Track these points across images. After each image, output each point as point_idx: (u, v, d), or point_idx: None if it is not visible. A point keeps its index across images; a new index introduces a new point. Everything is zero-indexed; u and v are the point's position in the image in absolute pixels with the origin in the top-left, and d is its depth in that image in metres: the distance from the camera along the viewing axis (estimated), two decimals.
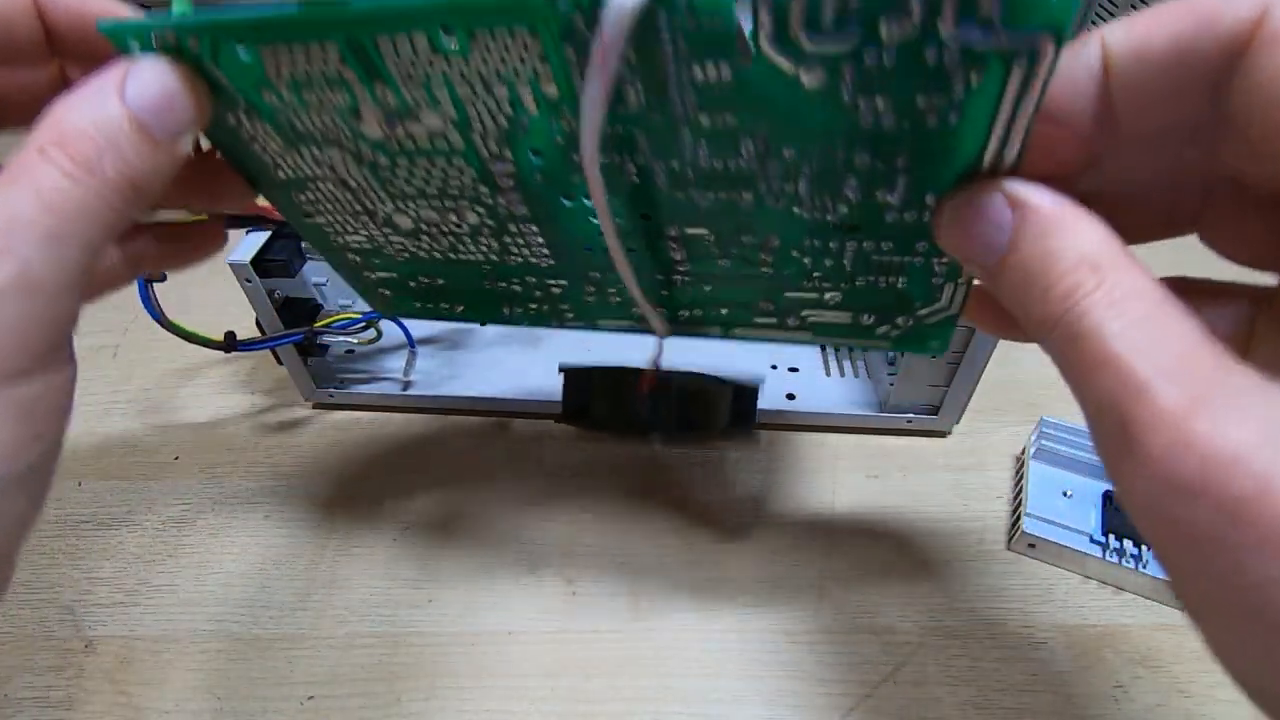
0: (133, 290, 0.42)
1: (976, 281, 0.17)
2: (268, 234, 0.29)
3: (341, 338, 0.32)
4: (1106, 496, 0.29)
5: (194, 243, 0.19)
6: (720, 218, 0.18)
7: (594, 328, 0.23)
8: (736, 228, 0.18)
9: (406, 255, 0.22)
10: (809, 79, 0.13)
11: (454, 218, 0.19)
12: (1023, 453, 0.32)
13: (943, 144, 0.14)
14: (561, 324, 0.24)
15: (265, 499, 0.31)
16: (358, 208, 0.20)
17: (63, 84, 0.15)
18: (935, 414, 0.32)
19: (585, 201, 0.18)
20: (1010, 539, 0.29)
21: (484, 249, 0.21)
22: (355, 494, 0.31)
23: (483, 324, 0.25)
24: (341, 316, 0.31)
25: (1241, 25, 0.11)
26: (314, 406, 0.35)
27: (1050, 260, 0.12)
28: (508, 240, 0.20)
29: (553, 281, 0.22)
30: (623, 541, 0.29)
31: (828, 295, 0.19)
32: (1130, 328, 0.11)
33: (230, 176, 0.18)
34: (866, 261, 0.18)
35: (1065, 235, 0.12)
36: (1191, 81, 0.12)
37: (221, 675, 0.26)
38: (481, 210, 0.19)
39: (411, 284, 0.23)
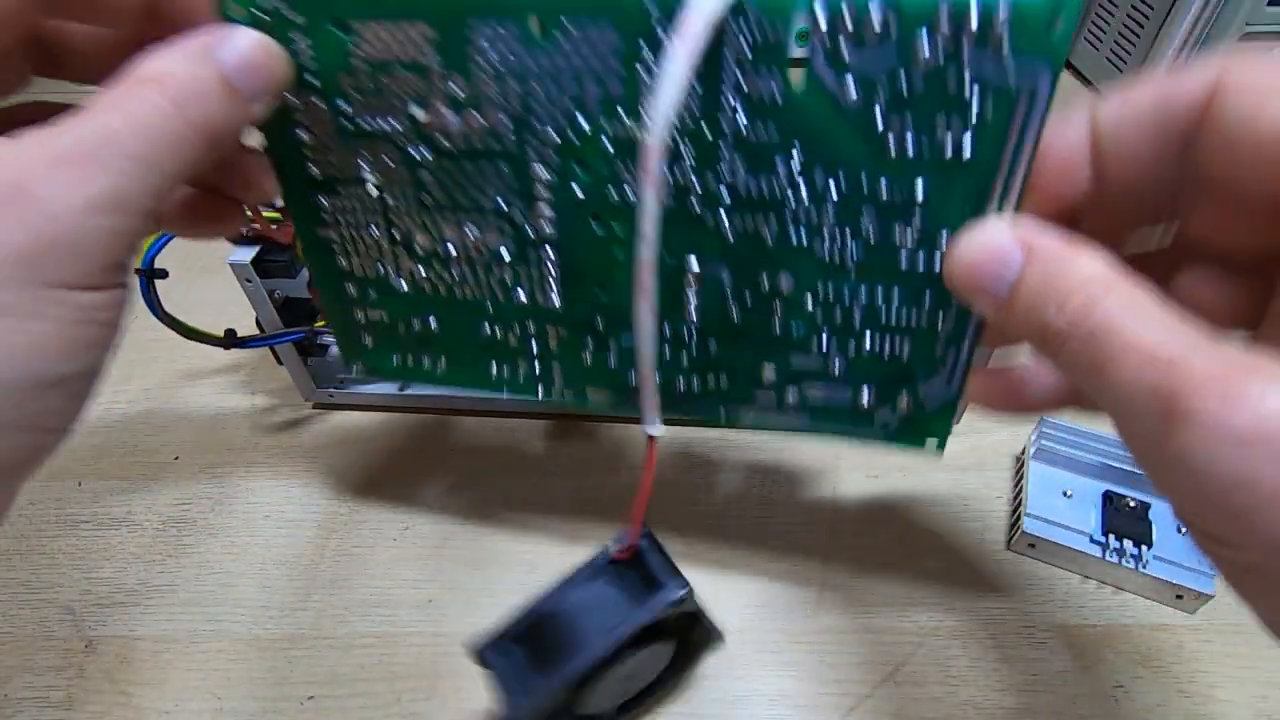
0: (132, 290, 0.42)
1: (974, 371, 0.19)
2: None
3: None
4: (1106, 496, 0.29)
5: (212, 214, 0.20)
6: (743, 251, 0.18)
7: (580, 400, 0.22)
8: (756, 263, 0.18)
9: (409, 289, 0.21)
10: (847, 96, 0.15)
11: (476, 236, 0.20)
12: (1023, 453, 0.32)
13: (958, 173, 0.16)
14: (547, 393, 0.23)
15: (265, 499, 0.31)
16: (380, 221, 0.20)
17: (136, 45, 0.16)
18: None
19: (613, 226, 0.19)
20: (1010, 539, 0.29)
21: (495, 281, 0.21)
22: (355, 494, 0.31)
23: (463, 386, 0.24)
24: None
25: (1197, 94, 0.14)
26: (314, 406, 0.35)
27: (1061, 280, 0.14)
28: (522, 271, 0.20)
29: (553, 329, 0.21)
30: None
31: (833, 365, 0.20)
32: (1148, 320, 0.12)
33: (264, 169, 0.19)
34: (874, 317, 0.18)
35: (1072, 261, 0.14)
36: (1165, 143, 0.14)
37: (221, 675, 0.26)
38: (507, 229, 0.19)
39: (401, 328, 0.22)
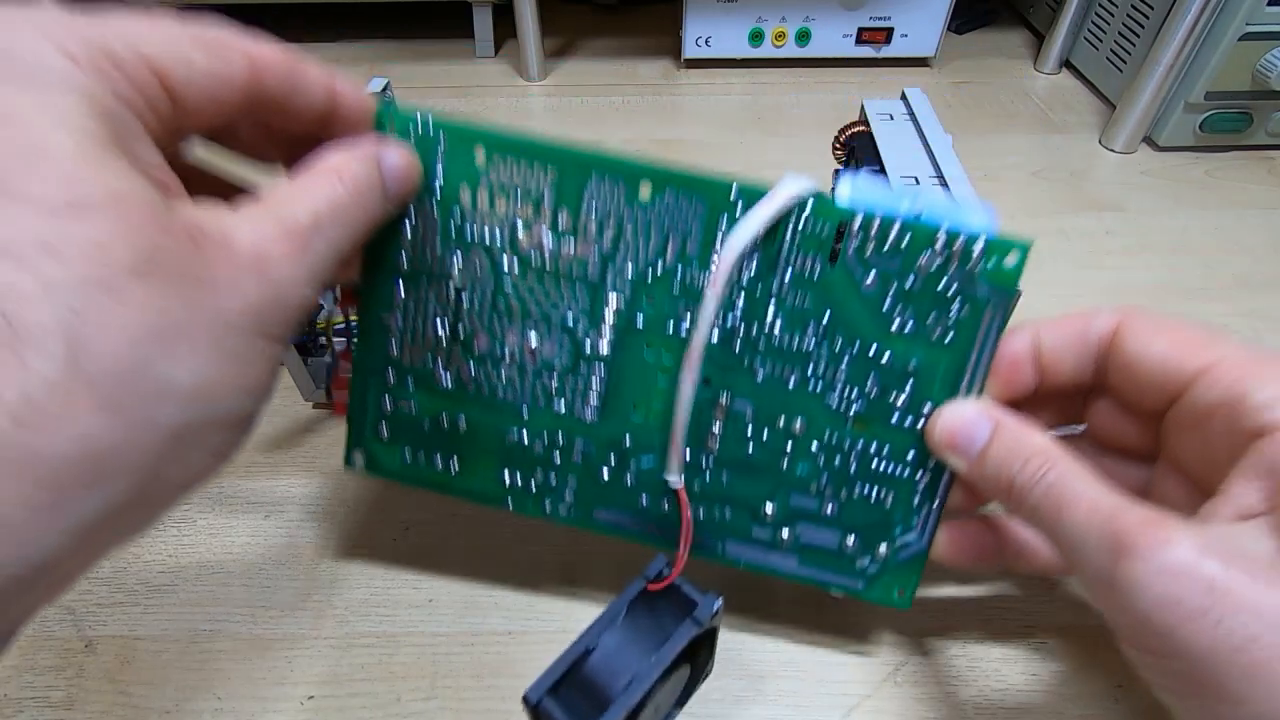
0: None
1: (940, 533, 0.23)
2: None
3: (342, 339, 0.31)
4: None
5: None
6: (768, 391, 0.22)
7: (584, 521, 0.24)
8: (776, 404, 0.22)
9: (452, 385, 0.23)
10: (866, 282, 0.21)
11: (536, 344, 0.22)
12: None
13: (941, 352, 0.21)
14: (554, 510, 0.24)
15: (265, 499, 0.31)
16: (449, 317, 0.22)
17: (298, 140, 0.19)
18: None
19: (664, 357, 0.22)
20: None
21: (540, 388, 0.23)
22: (355, 494, 0.31)
23: (469, 494, 0.24)
24: (343, 319, 0.31)
25: (1106, 327, 0.21)
26: (314, 406, 0.35)
27: (1023, 446, 0.19)
28: (569, 382, 0.23)
29: (581, 440, 0.23)
30: (623, 541, 0.29)
31: (827, 506, 0.23)
32: (1090, 480, 0.18)
33: (357, 252, 0.22)
34: (867, 465, 0.22)
35: (1030, 432, 0.20)
36: (1083, 355, 0.21)
37: (221, 675, 0.26)
38: (567, 343, 0.22)
39: (427, 424, 0.24)
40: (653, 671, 0.20)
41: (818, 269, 0.21)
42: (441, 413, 0.23)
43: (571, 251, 0.21)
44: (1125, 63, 0.55)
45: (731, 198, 0.21)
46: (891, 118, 0.37)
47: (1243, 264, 0.44)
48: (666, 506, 0.24)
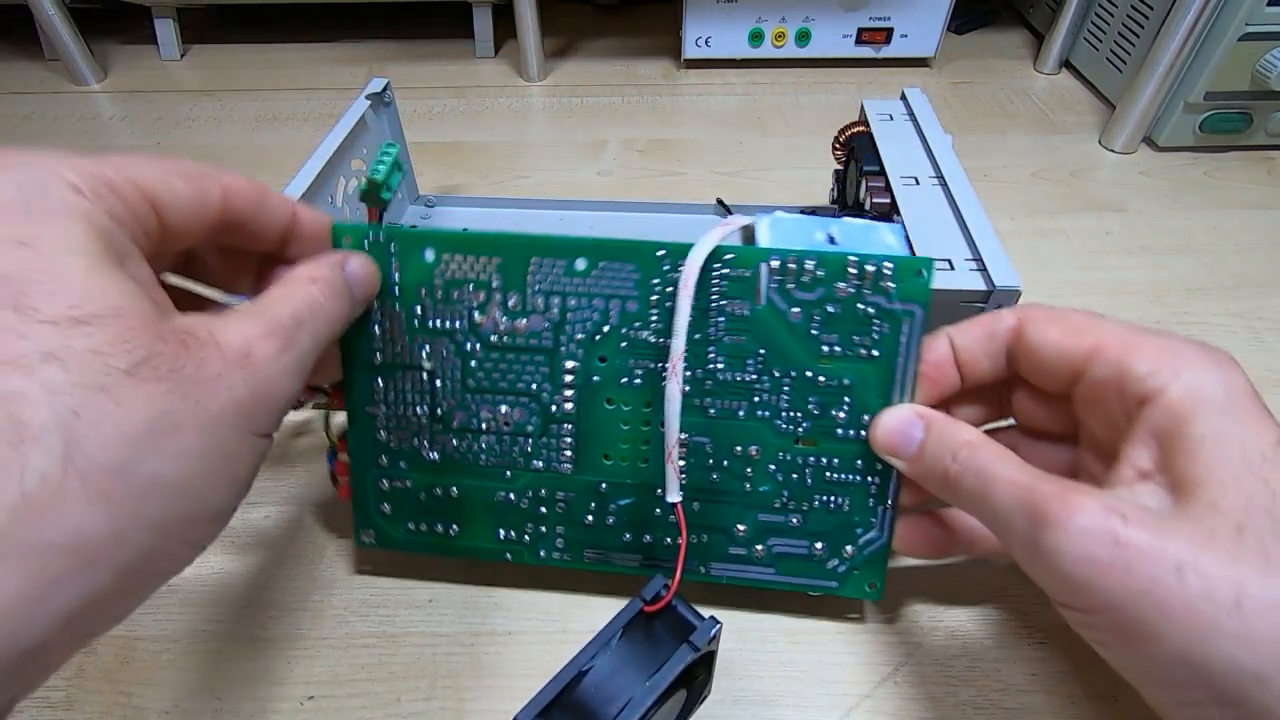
0: None
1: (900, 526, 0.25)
2: None
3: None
4: None
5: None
6: (721, 423, 0.24)
7: (580, 564, 0.26)
8: (731, 434, 0.24)
9: (439, 459, 0.25)
10: (793, 315, 0.23)
11: (507, 413, 0.25)
12: None
13: (870, 365, 0.23)
14: (548, 556, 0.26)
15: (265, 499, 0.31)
16: (426, 400, 0.25)
17: (258, 262, 0.22)
18: None
19: (623, 407, 0.24)
20: None
21: (518, 452, 0.25)
22: None
23: (470, 553, 0.26)
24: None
25: (1010, 323, 0.23)
26: (313, 407, 0.35)
27: (950, 441, 0.21)
28: (543, 443, 0.25)
29: (562, 494, 0.25)
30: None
31: (792, 518, 0.25)
32: (1012, 462, 0.20)
33: (335, 354, 0.24)
34: (821, 477, 0.24)
35: (957, 426, 0.22)
36: (994, 352, 0.23)
37: (221, 675, 0.26)
38: (535, 407, 0.25)
39: (422, 496, 0.26)
40: (647, 697, 0.20)
41: (747, 309, 0.23)
42: (434, 486, 0.26)
43: (525, 325, 0.24)
44: (1125, 63, 0.55)
45: (659, 255, 0.23)
46: (891, 118, 0.37)
47: (1243, 264, 0.44)
48: (648, 539, 0.26)
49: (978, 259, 0.28)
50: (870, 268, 0.22)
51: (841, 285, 0.23)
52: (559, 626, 0.27)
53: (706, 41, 0.62)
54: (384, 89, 0.40)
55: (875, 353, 0.23)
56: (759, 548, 0.25)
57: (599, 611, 0.27)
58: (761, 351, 0.24)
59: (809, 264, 0.23)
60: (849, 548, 0.25)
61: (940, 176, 0.33)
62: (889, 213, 0.32)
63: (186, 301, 0.21)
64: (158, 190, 0.17)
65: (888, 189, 0.33)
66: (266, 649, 0.26)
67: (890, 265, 0.22)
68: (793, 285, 0.23)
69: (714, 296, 0.23)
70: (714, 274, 0.23)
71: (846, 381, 0.23)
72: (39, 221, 0.14)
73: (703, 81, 0.64)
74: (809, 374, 0.24)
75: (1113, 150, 0.53)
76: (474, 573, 0.28)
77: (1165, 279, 0.43)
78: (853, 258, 0.23)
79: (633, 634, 0.21)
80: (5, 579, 0.12)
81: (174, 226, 0.17)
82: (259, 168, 0.53)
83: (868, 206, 0.33)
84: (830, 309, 0.23)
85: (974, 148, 0.54)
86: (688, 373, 0.24)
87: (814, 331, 0.23)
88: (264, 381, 0.16)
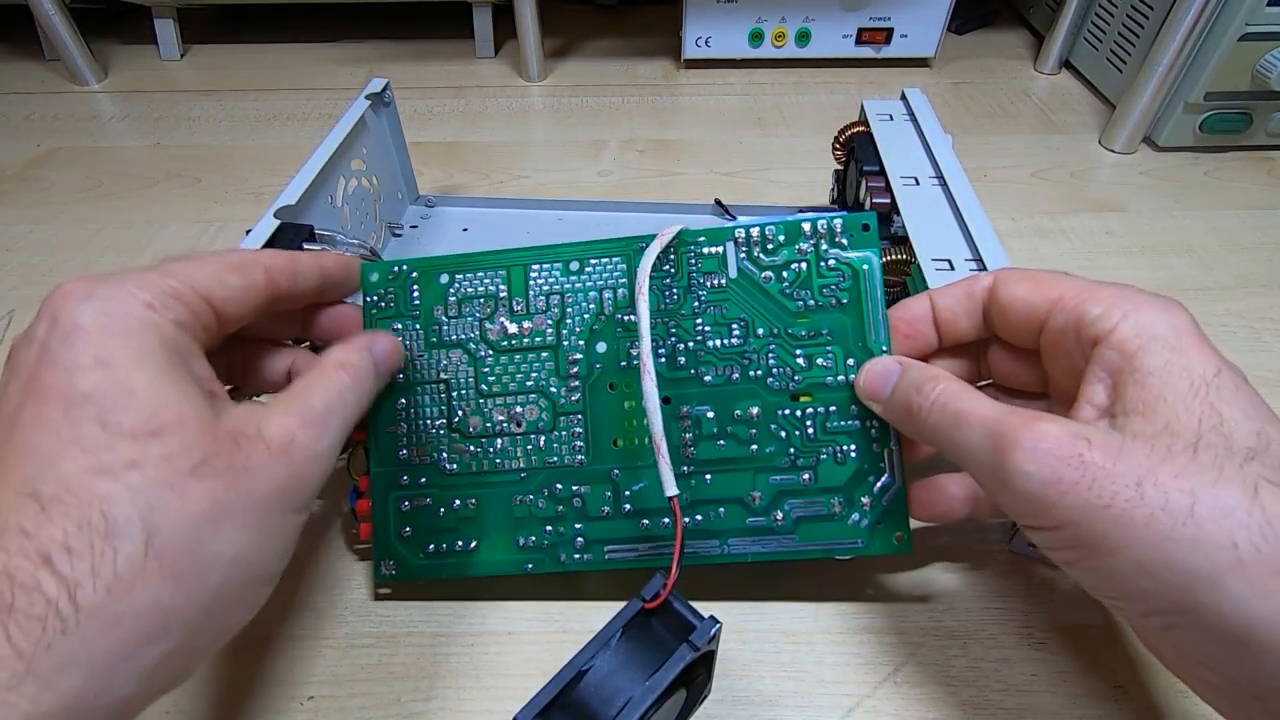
0: None
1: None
2: (267, 233, 0.29)
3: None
4: None
5: None
6: (720, 391, 0.26)
7: (603, 564, 0.26)
8: (730, 398, 0.26)
9: (458, 468, 0.26)
10: (764, 279, 0.26)
11: (520, 412, 0.26)
12: None
13: (841, 312, 0.25)
14: (569, 559, 0.26)
15: None
16: (444, 410, 0.27)
17: (316, 307, 0.26)
18: None
19: (624, 389, 0.26)
20: (1010, 539, 0.29)
21: (533, 449, 0.26)
22: None
23: (488, 568, 0.26)
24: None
25: (987, 283, 0.24)
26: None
27: (920, 376, 0.22)
28: (553, 437, 0.26)
29: (576, 488, 0.26)
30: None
31: (803, 475, 0.25)
32: (974, 395, 0.21)
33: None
34: (823, 428, 0.25)
35: (925, 366, 0.23)
36: (972, 311, 0.25)
37: (222, 675, 0.26)
38: (544, 404, 0.26)
39: (442, 511, 0.26)
40: (646, 697, 0.19)
41: (723, 280, 0.26)
42: (454, 498, 0.26)
43: (530, 326, 0.26)
44: (1125, 63, 0.55)
45: (640, 248, 0.26)
46: (891, 118, 0.37)
47: (1243, 264, 0.44)
48: (668, 523, 0.26)
49: (978, 259, 0.28)
50: (823, 225, 0.26)
51: (802, 246, 0.26)
52: (559, 626, 0.27)
53: (706, 41, 0.62)
54: (384, 89, 0.40)
55: (844, 300, 0.25)
56: (777, 514, 0.25)
57: (599, 612, 0.27)
58: (743, 317, 0.26)
59: (770, 230, 0.26)
60: (865, 498, 0.25)
61: (940, 176, 0.33)
62: (889, 213, 0.32)
63: (241, 350, 0.25)
64: (212, 289, 0.20)
65: (888, 189, 0.33)
66: (266, 649, 0.26)
67: (839, 221, 0.26)
68: (760, 253, 0.26)
69: (692, 274, 0.26)
70: (689, 255, 0.26)
71: (826, 331, 0.25)
72: (116, 341, 0.18)
73: (703, 81, 0.64)
74: (790, 330, 0.26)
75: (1113, 150, 0.53)
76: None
77: (1165, 279, 0.43)
78: (805, 222, 0.26)
79: (632, 634, 0.21)
80: (102, 642, 0.16)
81: (229, 315, 0.21)
82: (259, 168, 0.53)
83: (868, 206, 0.33)
84: (796, 268, 0.26)
85: (974, 148, 0.54)
86: (681, 345, 0.26)
87: (786, 290, 0.26)
88: (301, 467, 0.20)
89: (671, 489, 0.23)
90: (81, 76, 0.63)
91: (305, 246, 0.30)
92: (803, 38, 0.62)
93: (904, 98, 0.38)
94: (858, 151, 0.36)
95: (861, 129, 0.37)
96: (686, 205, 0.44)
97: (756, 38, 0.62)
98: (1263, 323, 0.40)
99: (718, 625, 0.21)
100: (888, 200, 0.32)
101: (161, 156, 0.55)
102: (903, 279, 0.31)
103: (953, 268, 0.28)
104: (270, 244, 0.29)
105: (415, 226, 0.44)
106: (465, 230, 0.43)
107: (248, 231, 0.30)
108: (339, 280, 0.25)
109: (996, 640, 0.26)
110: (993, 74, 0.64)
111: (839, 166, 0.40)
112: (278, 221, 0.30)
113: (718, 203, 0.44)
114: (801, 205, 0.43)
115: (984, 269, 0.27)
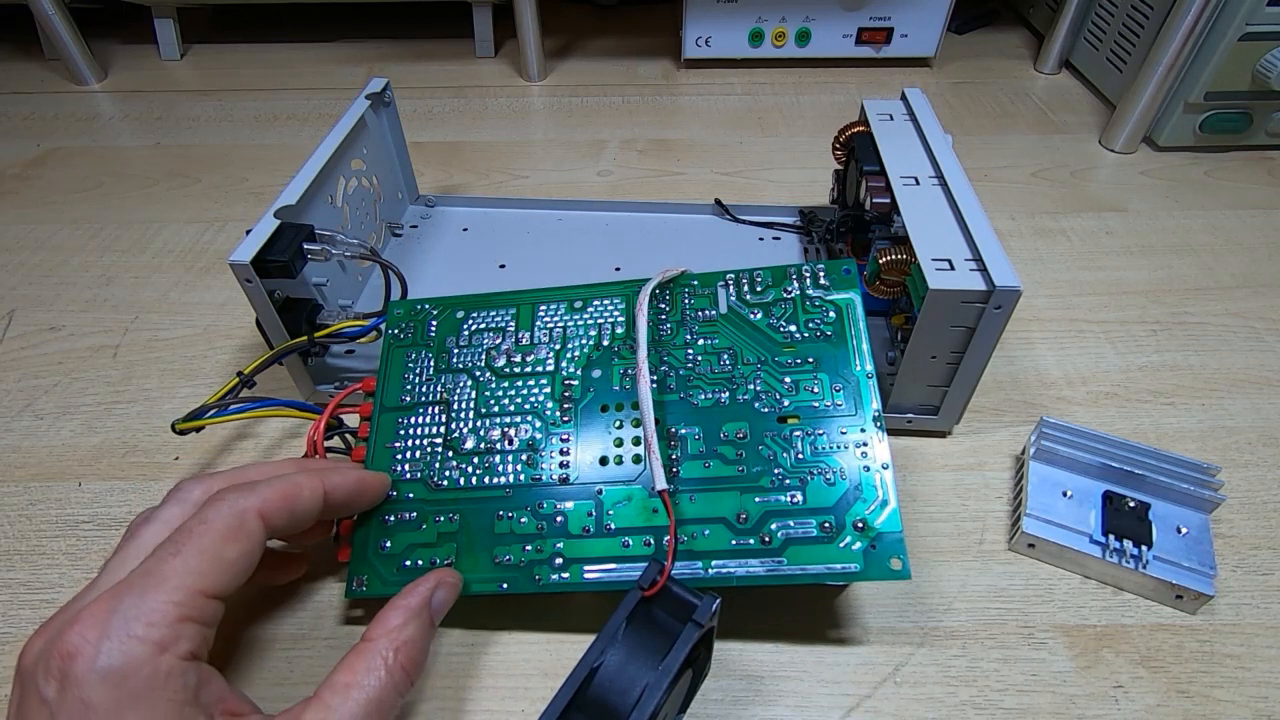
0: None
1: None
2: (267, 233, 0.29)
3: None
4: (1106, 497, 0.29)
5: (285, 568, 0.28)
6: (708, 413, 0.27)
7: (581, 584, 0.25)
8: (718, 419, 0.26)
9: (448, 484, 0.27)
10: (753, 315, 0.28)
11: (513, 432, 0.27)
12: (1023, 453, 0.32)
13: (827, 343, 0.27)
14: (545, 579, 0.25)
15: None
16: (442, 429, 0.27)
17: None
18: (935, 414, 0.32)
19: (615, 412, 0.27)
20: (1010, 539, 0.29)
21: (518, 468, 0.27)
22: None
23: (466, 584, 0.26)
24: (344, 325, 0.31)
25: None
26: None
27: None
28: (543, 454, 0.27)
29: (560, 505, 0.26)
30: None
31: (792, 495, 0.25)
32: None
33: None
34: (813, 448, 0.26)
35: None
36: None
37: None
38: (538, 423, 0.27)
39: (423, 527, 0.26)
40: (663, 680, 0.20)
41: (714, 314, 0.28)
42: (438, 514, 0.26)
43: (533, 355, 0.29)
44: (1125, 63, 0.55)
45: (638, 291, 0.28)
46: (891, 118, 0.37)
47: (1243, 264, 0.44)
48: (649, 543, 0.25)
49: (978, 259, 0.28)
50: (806, 272, 0.28)
51: (788, 288, 0.28)
52: (559, 627, 0.27)
53: (706, 41, 0.62)
54: (384, 89, 0.40)
55: (829, 332, 0.27)
56: (764, 535, 0.24)
57: (598, 612, 0.27)
58: (732, 347, 0.28)
59: (758, 275, 0.29)
60: (857, 519, 0.24)
61: (940, 176, 0.33)
62: (889, 213, 0.32)
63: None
64: (214, 580, 0.20)
65: (888, 189, 0.33)
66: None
67: (821, 267, 0.28)
68: (748, 294, 0.29)
69: (685, 310, 0.29)
70: (684, 295, 0.29)
71: (813, 359, 0.27)
72: (127, 710, 0.18)
73: (703, 81, 0.64)
74: (777, 359, 0.27)
75: (1113, 150, 0.53)
76: None
77: (1165, 279, 0.43)
78: (790, 268, 0.29)
79: (637, 624, 0.21)
80: None
81: (233, 590, 0.21)
82: (259, 168, 0.53)
83: (868, 206, 0.33)
84: (783, 305, 0.28)
85: (974, 148, 0.54)
86: (673, 372, 0.28)
87: (773, 324, 0.28)
88: None
89: (662, 483, 0.24)
90: (81, 76, 0.63)
91: (305, 246, 0.30)
92: (803, 38, 0.62)
93: (904, 97, 0.38)
94: (858, 151, 0.36)
95: (861, 129, 0.37)
96: (686, 205, 0.44)
97: (756, 38, 0.62)
98: (1263, 323, 0.40)
99: (718, 600, 0.21)
100: (888, 200, 0.32)
101: (161, 156, 0.55)
102: (903, 279, 0.31)
103: (953, 267, 0.28)
104: (270, 244, 0.29)
105: (415, 226, 0.44)
106: (465, 230, 0.43)
107: (248, 232, 0.30)
108: (341, 501, 0.24)
109: (996, 640, 0.26)
110: (992, 74, 0.64)
111: (839, 166, 0.40)
112: (278, 221, 0.30)
113: (718, 203, 0.44)
114: (801, 205, 0.43)
115: (984, 269, 0.27)
